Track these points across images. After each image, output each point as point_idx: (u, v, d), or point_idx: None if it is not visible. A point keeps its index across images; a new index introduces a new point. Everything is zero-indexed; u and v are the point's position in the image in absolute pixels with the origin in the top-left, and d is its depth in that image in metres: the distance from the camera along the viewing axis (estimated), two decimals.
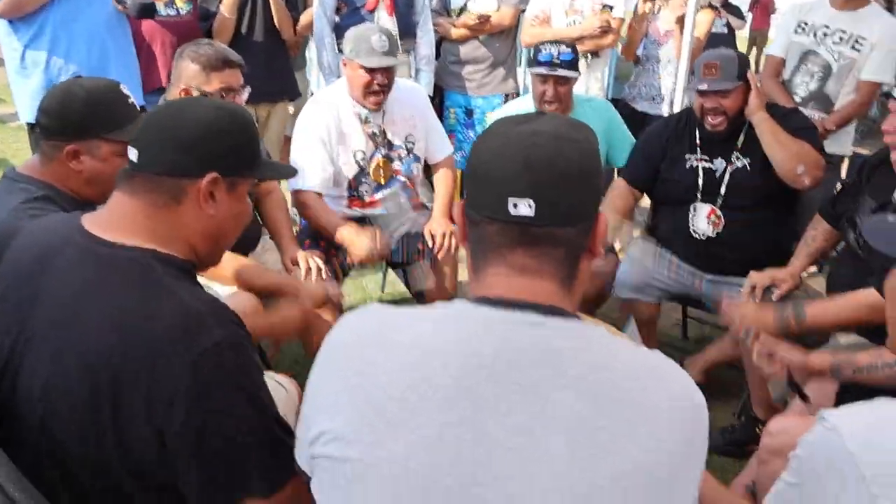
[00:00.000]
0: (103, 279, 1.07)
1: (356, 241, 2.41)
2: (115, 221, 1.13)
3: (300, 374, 2.64)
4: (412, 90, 2.79)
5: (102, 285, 1.06)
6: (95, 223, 1.13)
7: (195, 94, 2.08)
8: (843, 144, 3.27)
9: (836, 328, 1.80)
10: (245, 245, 2.31)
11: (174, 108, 1.19)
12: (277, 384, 1.65)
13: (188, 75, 2.10)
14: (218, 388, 1.00)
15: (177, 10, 3.38)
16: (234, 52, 2.18)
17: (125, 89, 1.60)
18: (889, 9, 10.71)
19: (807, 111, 3.00)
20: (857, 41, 3.04)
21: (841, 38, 3.07)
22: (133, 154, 1.14)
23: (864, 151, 3.28)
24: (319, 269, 2.32)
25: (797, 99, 3.20)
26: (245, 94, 2.19)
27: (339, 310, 2.46)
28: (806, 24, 3.16)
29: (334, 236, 2.45)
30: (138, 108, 1.62)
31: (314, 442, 0.88)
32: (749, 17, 10.31)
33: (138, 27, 3.27)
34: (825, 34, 3.10)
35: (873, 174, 2.12)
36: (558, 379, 0.82)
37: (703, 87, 2.36)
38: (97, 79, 1.63)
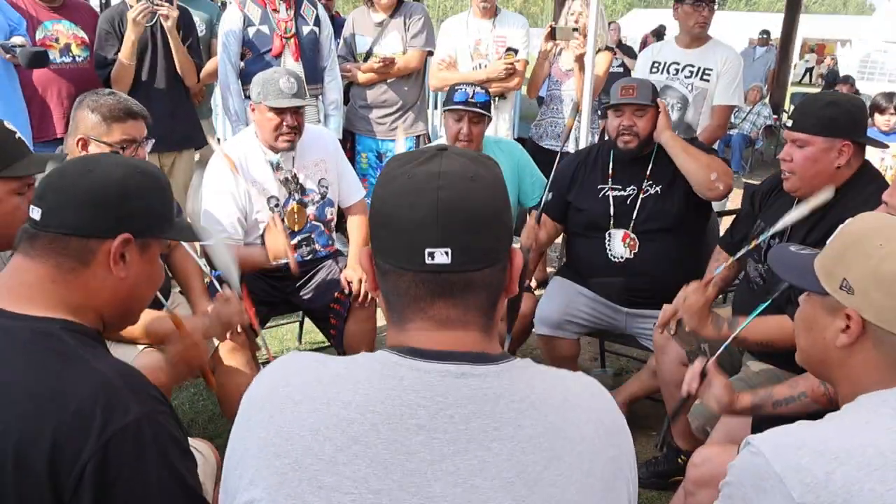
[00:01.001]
0: (9, 355, 0.99)
1: (272, 239, 2.48)
2: (17, 289, 1.05)
3: (217, 434, 2.54)
4: (321, 134, 2.76)
5: (9, 361, 0.98)
6: None
7: (93, 145, 1.99)
8: None
9: (758, 345, 1.87)
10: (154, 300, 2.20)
11: (81, 165, 1.12)
12: (194, 450, 1.56)
13: (87, 125, 2.00)
14: (130, 468, 0.94)
15: (73, 57, 3.27)
16: (138, 103, 2.10)
17: (10, 125, 1.53)
18: (764, 43, 11.48)
19: None
20: (704, 72, 3.35)
21: (691, 73, 3.38)
22: (36, 213, 1.07)
23: (755, 182, 3.48)
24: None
25: None
26: (148, 147, 2.11)
27: (255, 362, 2.38)
28: (659, 63, 3.47)
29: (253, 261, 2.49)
30: (28, 145, 1.55)
31: None
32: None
33: (30, 75, 3.13)
34: (677, 70, 3.41)
35: (766, 200, 2.24)
36: (493, 429, 0.81)
37: (624, 101, 2.48)
38: None
